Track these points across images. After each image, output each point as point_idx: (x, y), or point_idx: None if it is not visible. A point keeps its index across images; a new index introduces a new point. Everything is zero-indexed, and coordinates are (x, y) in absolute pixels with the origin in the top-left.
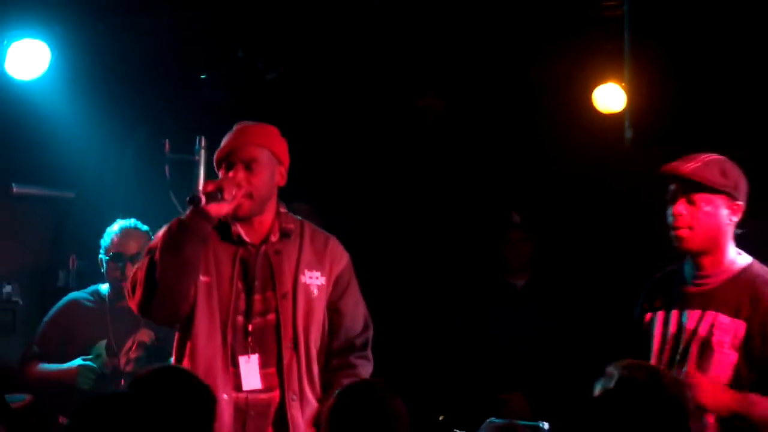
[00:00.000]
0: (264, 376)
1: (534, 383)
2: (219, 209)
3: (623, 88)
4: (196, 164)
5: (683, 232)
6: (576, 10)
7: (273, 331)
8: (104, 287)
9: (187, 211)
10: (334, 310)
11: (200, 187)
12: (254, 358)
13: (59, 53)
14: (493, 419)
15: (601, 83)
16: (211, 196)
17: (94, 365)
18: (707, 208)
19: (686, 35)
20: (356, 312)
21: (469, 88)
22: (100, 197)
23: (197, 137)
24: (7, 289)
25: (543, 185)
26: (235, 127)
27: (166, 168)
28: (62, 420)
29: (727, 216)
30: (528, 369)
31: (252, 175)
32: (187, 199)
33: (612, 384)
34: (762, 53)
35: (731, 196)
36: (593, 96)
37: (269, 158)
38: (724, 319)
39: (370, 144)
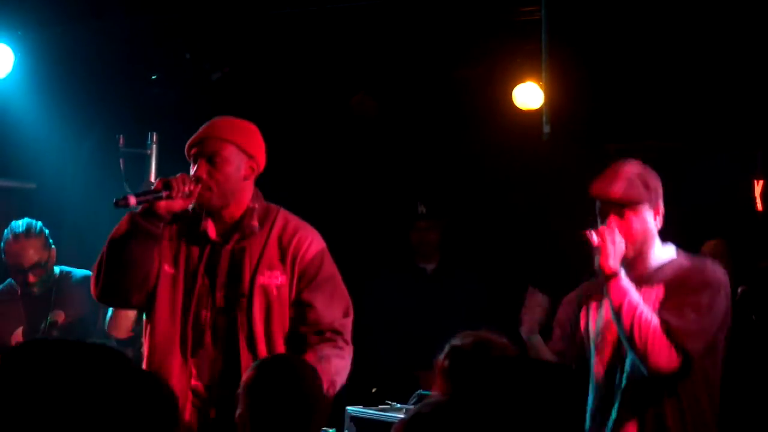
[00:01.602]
0: (221, 373)
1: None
2: (169, 206)
3: (541, 86)
4: (148, 157)
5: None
6: (496, 14)
7: (233, 330)
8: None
9: (139, 208)
10: (301, 303)
11: (150, 182)
12: (211, 353)
13: (22, 56)
14: (421, 391)
15: (520, 82)
16: (152, 194)
17: None
18: (637, 221)
19: (599, 37)
20: (330, 302)
21: (398, 88)
22: (59, 188)
23: (149, 133)
24: None
25: (467, 178)
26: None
27: (121, 161)
28: None
29: (652, 220)
30: (440, 345)
31: (214, 169)
32: (114, 201)
33: (443, 355)
34: (669, 52)
35: (654, 203)
36: (513, 94)
37: (234, 152)
38: (648, 291)
39: (308, 138)
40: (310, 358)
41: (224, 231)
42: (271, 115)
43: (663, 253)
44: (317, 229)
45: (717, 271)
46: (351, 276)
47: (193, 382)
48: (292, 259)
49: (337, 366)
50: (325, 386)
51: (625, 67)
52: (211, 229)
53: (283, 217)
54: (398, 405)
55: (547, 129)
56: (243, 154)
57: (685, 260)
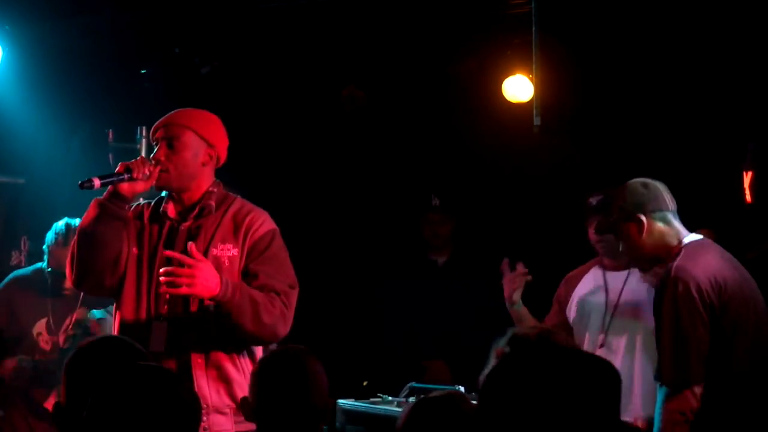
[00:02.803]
0: (172, 341)
1: (454, 351)
2: (132, 188)
3: (530, 79)
4: (138, 152)
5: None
6: (486, 8)
7: (186, 300)
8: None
9: (104, 192)
10: (247, 273)
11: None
12: (165, 324)
13: (10, 51)
14: (413, 383)
15: (510, 75)
16: (115, 176)
17: (25, 365)
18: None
19: (590, 30)
20: (275, 274)
21: (389, 80)
22: (48, 183)
23: (138, 127)
24: None
25: (459, 170)
26: None
27: (110, 155)
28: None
29: (639, 232)
30: (449, 338)
31: (172, 153)
32: (79, 183)
33: (504, 342)
34: (659, 44)
35: (633, 219)
36: (503, 87)
37: (193, 138)
38: None
39: (298, 131)
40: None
41: (183, 210)
42: (261, 109)
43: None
44: (322, 222)
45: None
46: (358, 274)
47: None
48: (245, 234)
49: (264, 301)
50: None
51: (614, 58)
52: (171, 210)
53: (240, 201)
54: (389, 398)
55: (537, 121)
56: (202, 141)
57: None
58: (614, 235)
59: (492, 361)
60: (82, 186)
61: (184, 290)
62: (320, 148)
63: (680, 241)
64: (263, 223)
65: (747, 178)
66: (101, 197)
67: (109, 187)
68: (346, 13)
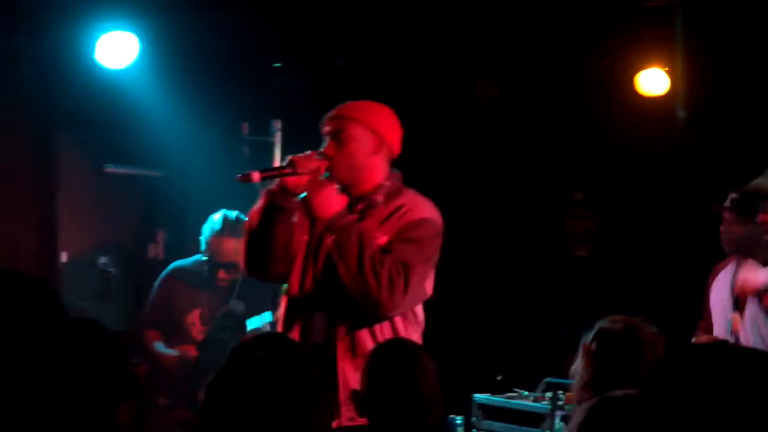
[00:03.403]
0: (330, 331)
1: None
2: (298, 181)
3: (667, 72)
4: (272, 145)
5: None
6: (621, 1)
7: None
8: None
9: (274, 185)
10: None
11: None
12: (326, 315)
13: (147, 44)
14: (549, 378)
15: (644, 68)
16: (276, 170)
17: (189, 359)
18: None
19: (734, 22)
20: (409, 250)
21: (522, 75)
22: (185, 176)
23: (272, 120)
24: (103, 260)
25: (597, 165)
26: None
27: (245, 149)
28: (162, 401)
29: None
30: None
31: (339, 146)
32: (237, 176)
33: (591, 335)
34: None
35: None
36: (636, 80)
37: (360, 130)
38: None
39: (432, 125)
40: None
41: (350, 203)
42: (395, 103)
43: None
44: (460, 216)
45: None
46: (497, 268)
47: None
48: (397, 220)
49: (376, 255)
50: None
51: (758, 52)
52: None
53: (411, 195)
54: (525, 393)
55: (682, 114)
56: (369, 131)
57: None
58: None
59: (581, 356)
60: (240, 179)
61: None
62: (453, 142)
63: None
64: (419, 210)
65: None
66: (270, 188)
67: (278, 180)
68: (481, 5)
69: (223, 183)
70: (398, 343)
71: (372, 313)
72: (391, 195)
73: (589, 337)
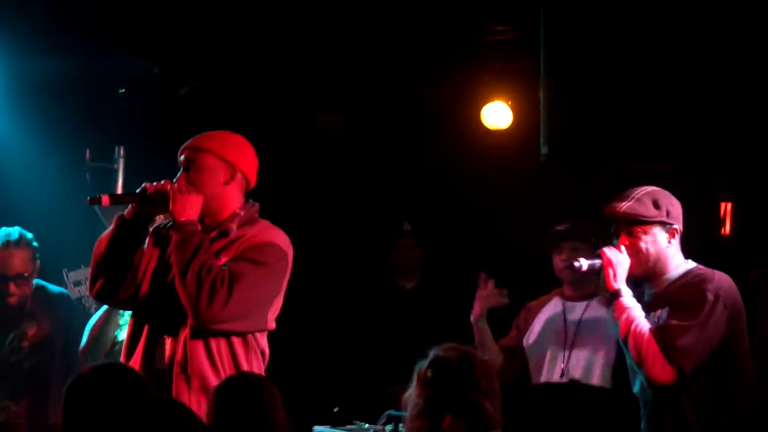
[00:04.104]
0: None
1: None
2: (150, 208)
3: (510, 106)
4: (115, 172)
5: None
6: (465, 33)
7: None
8: None
9: (127, 210)
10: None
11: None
12: (170, 340)
13: None
14: (391, 411)
15: (489, 101)
16: (128, 195)
17: None
18: (646, 240)
19: (600, 58)
20: (246, 270)
21: (366, 106)
22: (25, 203)
23: (116, 147)
24: None
25: (434, 196)
26: None
27: (87, 175)
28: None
29: (665, 240)
30: (414, 364)
31: (190, 176)
32: (88, 198)
33: (426, 363)
34: (670, 73)
35: (665, 223)
36: (481, 113)
37: (212, 160)
38: (661, 312)
39: (275, 154)
40: None
41: (204, 231)
42: (238, 131)
43: (678, 272)
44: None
45: (716, 286)
46: (328, 292)
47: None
48: (241, 243)
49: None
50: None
51: (627, 86)
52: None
53: (263, 224)
54: (366, 425)
55: (544, 150)
56: (221, 161)
57: (691, 277)
58: (626, 234)
59: (415, 383)
60: (90, 202)
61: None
62: (297, 172)
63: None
64: (266, 235)
65: (725, 209)
66: (123, 213)
67: (130, 206)
68: (323, 35)
69: (64, 210)
70: (244, 376)
71: (194, 321)
72: (245, 224)
73: (423, 364)
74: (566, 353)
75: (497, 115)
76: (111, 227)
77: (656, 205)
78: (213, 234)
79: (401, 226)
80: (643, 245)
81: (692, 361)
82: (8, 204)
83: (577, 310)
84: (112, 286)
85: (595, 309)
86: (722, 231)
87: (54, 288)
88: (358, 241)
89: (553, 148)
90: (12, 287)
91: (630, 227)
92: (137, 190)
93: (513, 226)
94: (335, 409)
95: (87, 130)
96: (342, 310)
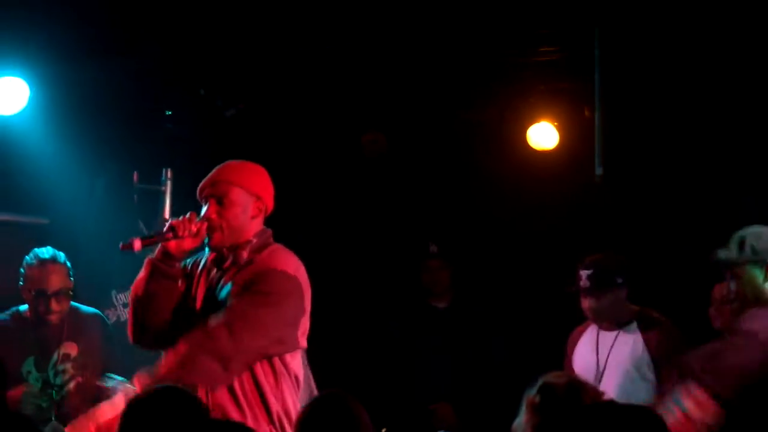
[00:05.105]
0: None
1: (459, 394)
2: (180, 246)
3: (556, 126)
4: (163, 194)
5: (732, 306)
6: (511, 55)
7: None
8: (24, 307)
9: (156, 251)
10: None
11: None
12: None
13: (37, 90)
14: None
15: (534, 122)
16: (157, 236)
17: (34, 391)
18: (742, 281)
19: (653, 79)
20: (245, 309)
21: (411, 127)
22: (73, 224)
23: (163, 169)
24: None
25: (477, 216)
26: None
27: (135, 197)
28: None
29: (762, 276)
30: (453, 381)
31: (222, 210)
32: (120, 244)
33: (535, 390)
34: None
35: (756, 261)
36: (527, 134)
37: (242, 194)
38: None
39: (320, 175)
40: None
41: (217, 259)
42: (284, 152)
43: None
44: (331, 269)
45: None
46: (363, 313)
47: None
48: (249, 270)
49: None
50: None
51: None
52: (209, 259)
53: (273, 248)
54: None
55: (599, 171)
56: (250, 195)
57: None
58: (728, 281)
59: (524, 410)
60: (123, 247)
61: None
62: (341, 193)
63: None
64: (273, 262)
65: None
66: (153, 256)
67: (160, 245)
68: (369, 58)
69: (111, 232)
70: (333, 394)
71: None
72: (256, 251)
73: (532, 391)
74: (598, 383)
75: (543, 135)
76: (143, 272)
77: (741, 247)
78: (227, 264)
79: (427, 249)
80: (739, 288)
81: None
82: (56, 225)
83: (608, 339)
84: (154, 330)
85: (624, 338)
86: None
87: (87, 309)
88: (395, 262)
89: (608, 169)
90: (53, 304)
91: (726, 273)
92: (164, 229)
93: (558, 246)
94: (383, 430)
95: (134, 152)
96: (378, 332)
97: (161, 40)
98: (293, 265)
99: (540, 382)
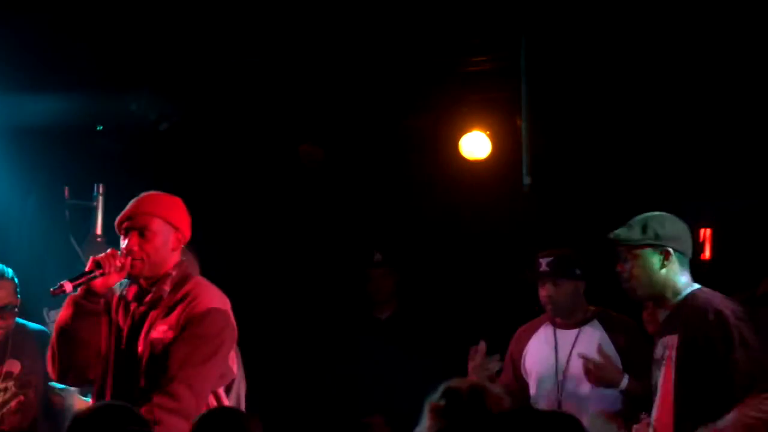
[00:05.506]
0: None
1: (395, 407)
2: (105, 282)
3: (488, 135)
4: (94, 209)
5: (625, 285)
6: (444, 64)
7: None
8: None
9: (78, 290)
10: (168, 353)
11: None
12: None
13: None
14: None
15: (467, 132)
16: (86, 275)
17: None
18: (635, 262)
19: (581, 87)
20: (190, 357)
21: (346, 137)
22: (3, 241)
23: (95, 184)
24: None
25: (412, 226)
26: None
27: (66, 213)
28: None
29: (659, 262)
30: (390, 394)
31: (144, 242)
32: (51, 289)
33: (438, 395)
34: (651, 103)
35: (655, 246)
36: (459, 144)
37: (162, 226)
38: (672, 339)
39: (256, 188)
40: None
41: (139, 292)
42: (218, 165)
43: (682, 294)
44: (273, 281)
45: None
46: (305, 324)
47: None
48: (182, 311)
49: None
50: None
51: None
52: (130, 293)
53: (195, 281)
54: None
55: (527, 180)
56: (170, 226)
57: (699, 301)
58: (622, 261)
59: (427, 416)
60: (54, 293)
61: None
62: (281, 205)
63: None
64: (204, 301)
65: (704, 235)
66: (76, 294)
67: (83, 285)
68: (304, 68)
69: (43, 248)
70: (225, 409)
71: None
72: (178, 284)
73: (435, 396)
74: (560, 384)
75: (476, 145)
76: (64, 310)
77: (643, 230)
78: (148, 298)
79: (372, 257)
80: (635, 269)
81: None
82: None
83: (569, 337)
84: (79, 367)
85: (586, 336)
86: (701, 256)
87: (33, 325)
88: (335, 272)
89: (536, 178)
90: None
91: (624, 253)
92: (94, 269)
93: (490, 254)
94: None
95: (66, 167)
96: (318, 342)
97: (92, 55)
98: (219, 298)
99: (443, 387)
